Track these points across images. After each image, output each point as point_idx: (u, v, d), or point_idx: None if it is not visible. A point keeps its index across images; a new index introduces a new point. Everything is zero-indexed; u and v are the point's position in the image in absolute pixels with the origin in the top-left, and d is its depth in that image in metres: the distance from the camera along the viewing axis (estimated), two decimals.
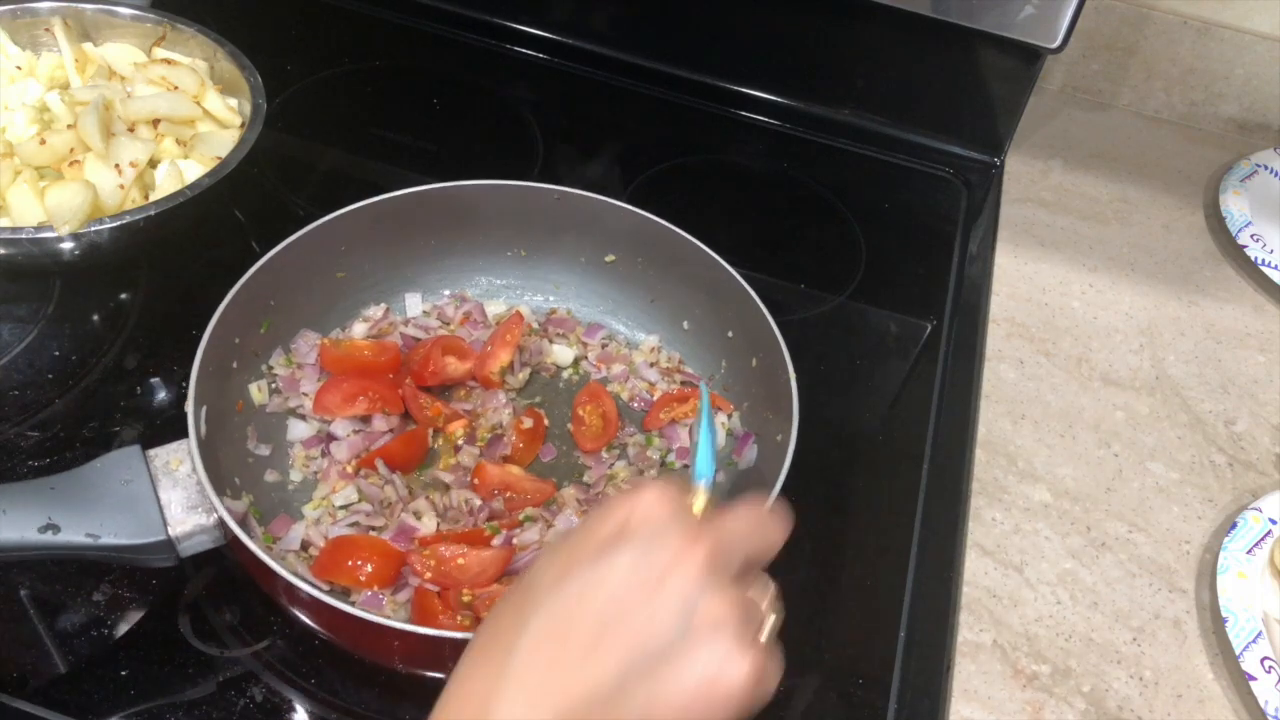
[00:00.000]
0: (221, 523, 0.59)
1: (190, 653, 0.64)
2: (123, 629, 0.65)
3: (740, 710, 0.41)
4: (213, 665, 0.64)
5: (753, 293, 0.75)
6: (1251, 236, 1.04)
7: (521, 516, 0.71)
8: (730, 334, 0.78)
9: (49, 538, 0.58)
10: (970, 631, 0.72)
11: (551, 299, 0.86)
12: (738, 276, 0.76)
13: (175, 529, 0.60)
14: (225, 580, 0.68)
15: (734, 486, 0.74)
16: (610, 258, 0.84)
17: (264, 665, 0.64)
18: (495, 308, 0.85)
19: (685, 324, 0.83)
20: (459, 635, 0.55)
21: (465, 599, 0.65)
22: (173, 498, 0.61)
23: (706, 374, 0.81)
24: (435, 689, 0.65)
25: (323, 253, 0.77)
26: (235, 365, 0.72)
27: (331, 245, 0.77)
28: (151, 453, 0.62)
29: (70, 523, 0.59)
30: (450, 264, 0.85)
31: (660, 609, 0.41)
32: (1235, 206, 1.07)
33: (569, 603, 0.41)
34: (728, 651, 0.40)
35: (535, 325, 0.84)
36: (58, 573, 0.67)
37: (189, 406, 0.63)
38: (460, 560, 0.66)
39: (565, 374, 0.82)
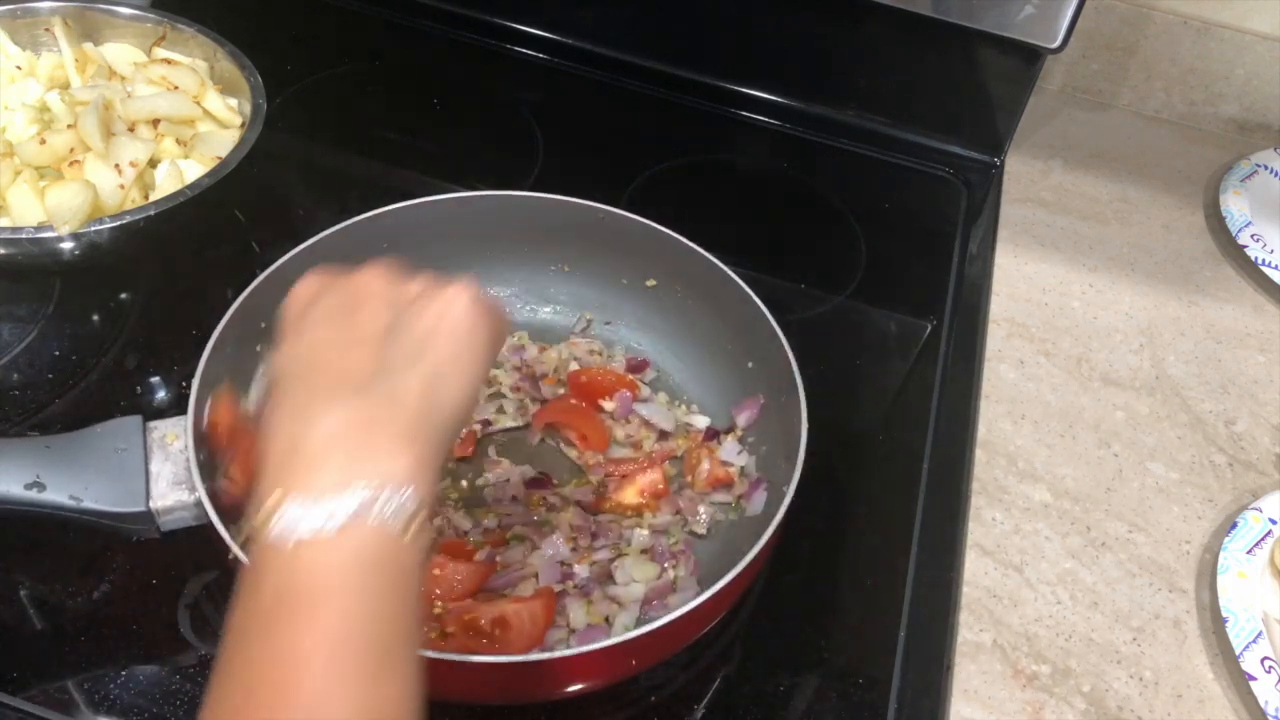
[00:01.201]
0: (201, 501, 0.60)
1: (191, 652, 0.64)
2: (123, 628, 0.65)
3: (493, 331, 0.49)
4: (213, 665, 0.63)
5: (783, 337, 0.73)
6: (1251, 236, 1.04)
7: (509, 535, 0.70)
8: (750, 364, 0.77)
9: (34, 495, 0.58)
10: (970, 631, 0.72)
11: (590, 317, 0.86)
12: (766, 311, 0.75)
13: (157, 502, 0.60)
14: (227, 580, 0.68)
15: (738, 533, 0.73)
16: (651, 282, 0.83)
17: None
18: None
19: (718, 356, 0.81)
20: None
21: (435, 610, 0.65)
22: (162, 471, 0.61)
23: (732, 401, 0.80)
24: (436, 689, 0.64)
25: (365, 248, 0.77)
26: (259, 349, 0.73)
27: (374, 241, 0.77)
28: (151, 424, 0.63)
29: (57, 482, 0.59)
30: (495, 272, 0.85)
31: (375, 315, 0.48)
32: (1235, 206, 1.07)
33: (315, 345, 0.48)
34: (447, 289, 0.48)
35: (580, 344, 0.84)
36: (58, 572, 0.67)
37: (194, 383, 0.64)
38: (435, 570, 0.66)
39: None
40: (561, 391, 0.80)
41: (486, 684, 0.59)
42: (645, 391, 0.81)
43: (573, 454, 0.77)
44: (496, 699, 0.64)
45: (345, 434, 0.43)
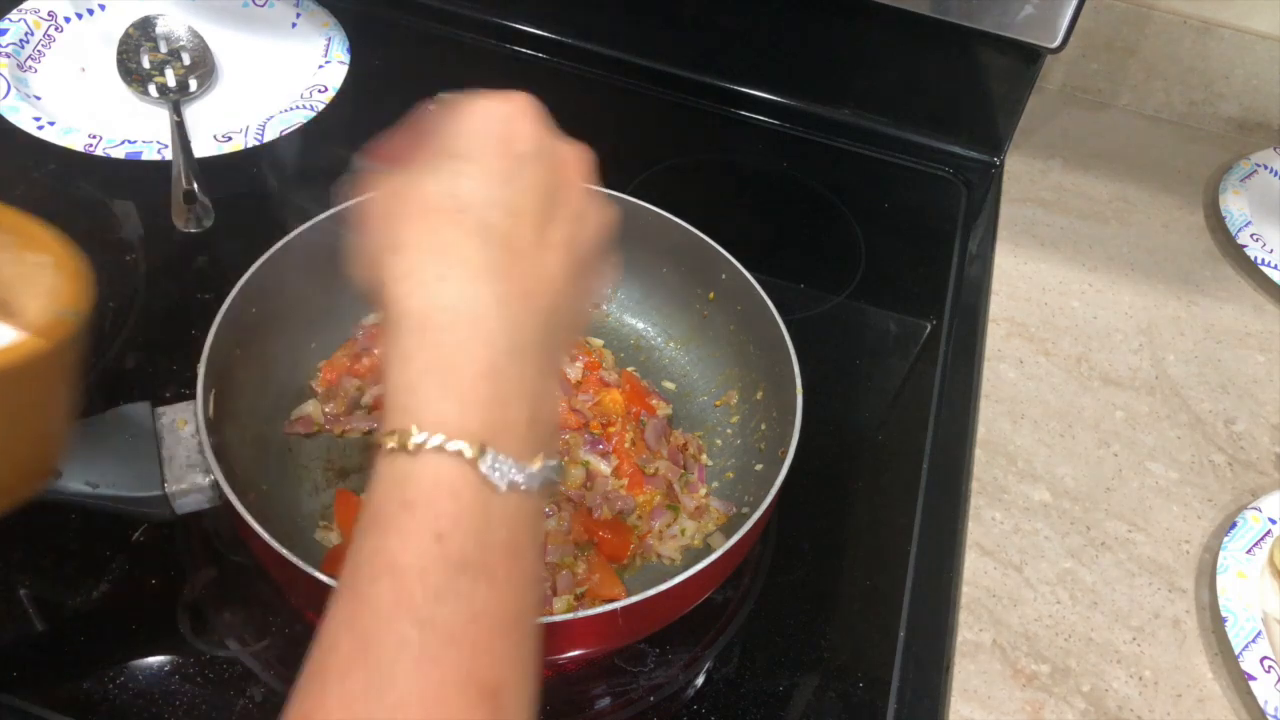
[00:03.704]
0: (216, 483, 0.60)
1: (190, 652, 0.64)
2: (122, 628, 0.65)
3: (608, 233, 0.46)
4: (212, 665, 0.64)
5: (781, 323, 0.74)
6: (1251, 236, 1.04)
7: None
8: (751, 346, 0.78)
9: (49, 482, 0.59)
10: (970, 631, 0.73)
11: (605, 307, 0.86)
12: (761, 292, 0.76)
13: (172, 486, 0.61)
14: (226, 581, 0.68)
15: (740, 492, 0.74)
16: (664, 269, 0.84)
17: (264, 665, 0.64)
18: None
19: (706, 316, 0.83)
20: None
21: None
22: (175, 455, 0.62)
23: (723, 389, 0.81)
24: None
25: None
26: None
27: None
28: (160, 410, 0.63)
29: (72, 470, 0.59)
30: None
31: (522, 162, 0.43)
32: (1235, 206, 1.07)
33: (453, 189, 0.41)
34: (589, 194, 0.46)
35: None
36: (58, 572, 0.67)
37: (200, 368, 0.64)
38: None
39: None
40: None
41: None
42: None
43: None
44: None
45: (530, 363, 0.39)
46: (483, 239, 0.40)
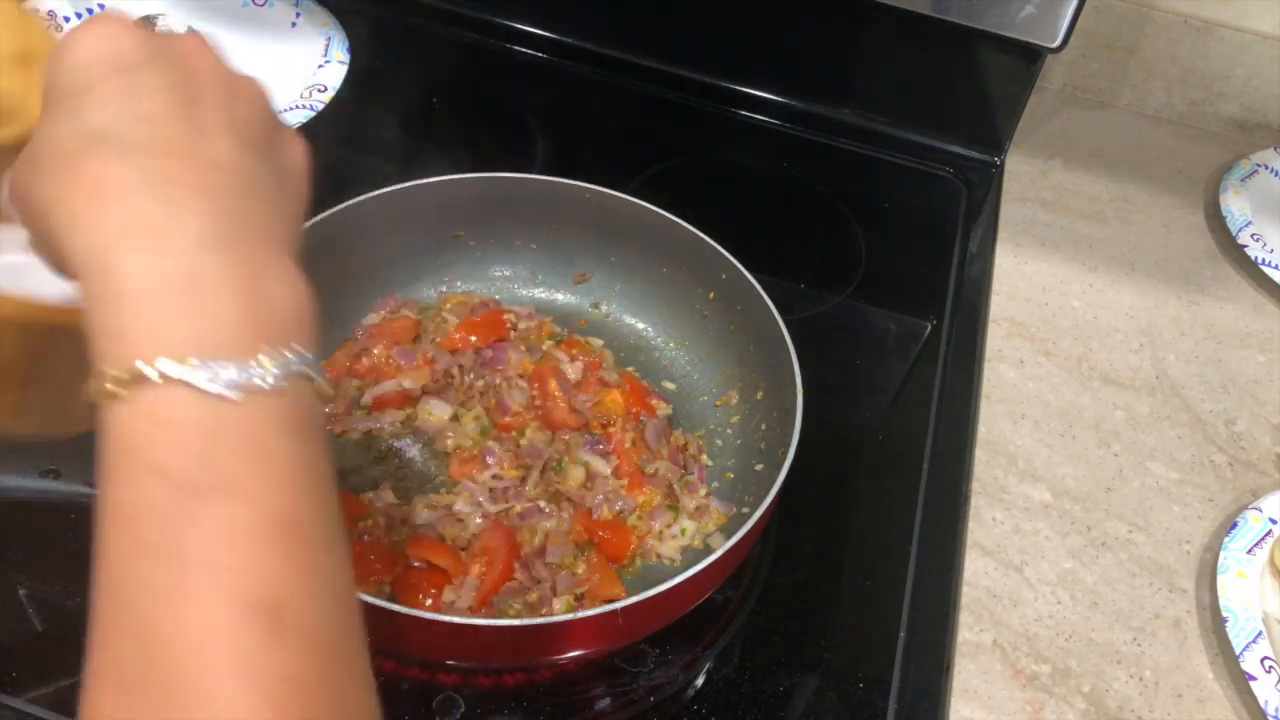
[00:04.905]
0: None
1: None
2: None
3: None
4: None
5: (781, 322, 0.74)
6: (1252, 236, 1.04)
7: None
8: (751, 346, 0.78)
9: (49, 483, 0.59)
10: (970, 631, 0.72)
11: (605, 307, 0.87)
12: (764, 295, 0.76)
13: None
14: None
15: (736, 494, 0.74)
16: (664, 269, 0.84)
17: None
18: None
19: (705, 313, 0.83)
20: (424, 615, 0.57)
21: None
22: None
23: (723, 389, 0.81)
24: (434, 693, 0.65)
25: (355, 233, 0.79)
26: None
27: (369, 224, 0.79)
28: None
29: (71, 470, 0.60)
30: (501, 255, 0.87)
31: (137, 71, 0.38)
32: (1235, 206, 1.07)
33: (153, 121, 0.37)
34: (228, 74, 0.40)
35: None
36: (58, 572, 0.67)
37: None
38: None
39: None
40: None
41: (483, 647, 0.61)
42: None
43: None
44: (494, 661, 0.66)
45: (230, 253, 0.35)
46: (128, 159, 0.35)
